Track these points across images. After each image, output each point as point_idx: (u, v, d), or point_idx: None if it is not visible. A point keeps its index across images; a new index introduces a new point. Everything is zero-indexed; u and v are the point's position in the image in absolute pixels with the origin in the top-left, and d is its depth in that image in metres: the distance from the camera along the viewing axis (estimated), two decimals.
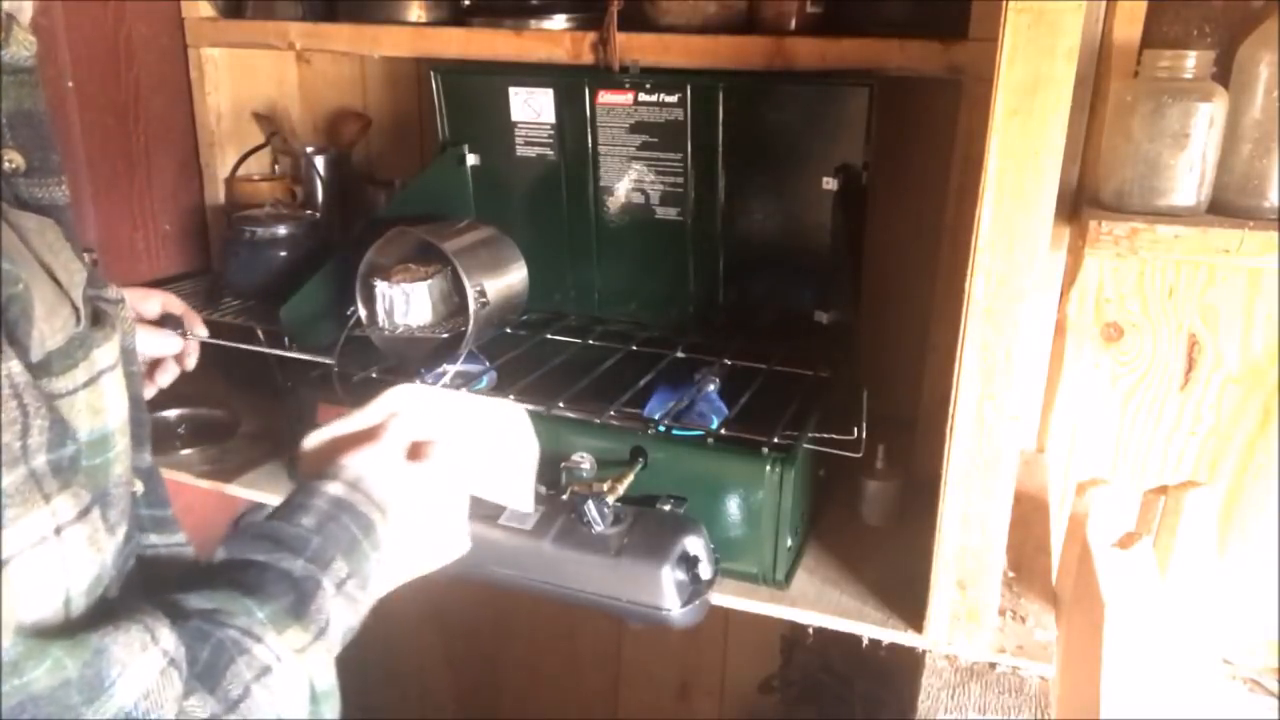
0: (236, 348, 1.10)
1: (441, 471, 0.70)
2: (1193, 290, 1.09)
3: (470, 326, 1.05)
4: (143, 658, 0.45)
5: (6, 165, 0.49)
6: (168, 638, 0.47)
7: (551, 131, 1.19)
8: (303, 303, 1.10)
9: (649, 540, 0.86)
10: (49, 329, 0.47)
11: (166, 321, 0.92)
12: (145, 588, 0.57)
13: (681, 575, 0.85)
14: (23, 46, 0.50)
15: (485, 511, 0.91)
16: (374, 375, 1.07)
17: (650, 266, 1.22)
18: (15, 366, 0.43)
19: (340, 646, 0.59)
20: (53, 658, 0.41)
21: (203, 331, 0.94)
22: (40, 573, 0.43)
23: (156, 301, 0.93)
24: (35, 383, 0.44)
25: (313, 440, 0.70)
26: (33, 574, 0.42)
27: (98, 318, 0.52)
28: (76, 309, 0.50)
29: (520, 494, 0.82)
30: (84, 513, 0.45)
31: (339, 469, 0.64)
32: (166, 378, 0.91)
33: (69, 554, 0.44)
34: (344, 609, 0.59)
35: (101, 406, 0.50)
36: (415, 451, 0.69)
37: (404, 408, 0.71)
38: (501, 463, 0.79)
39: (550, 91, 1.16)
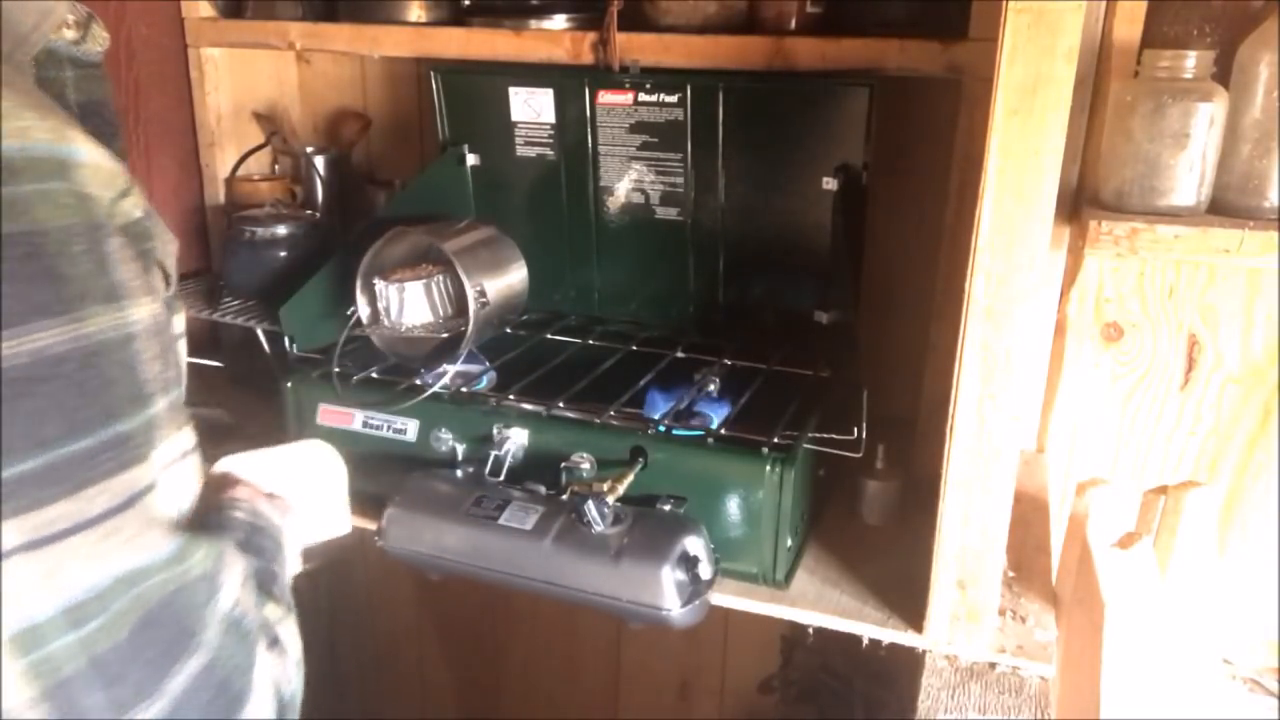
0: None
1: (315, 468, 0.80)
2: (1193, 290, 1.09)
3: (470, 326, 1.05)
4: (235, 567, 0.52)
5: None
6: (242, 557, 0.54)
7: (551, 131, 1.19)
8: (303, 303, 1.10)
9: (649, 540, 0.86)
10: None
11: None
12: None
13: (681, 575, 0.85)
14: (97, 42, 0.56)
15: (484, 512, 0.91)
16: (374, 375, 1.07)
17: (650, 266, 1.22)
18: (159, 308, 0.48)
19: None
20: (202, 549, 0.48)
21: None
22: (175, 485, 0.48)
23: None
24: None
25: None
26: (172, 485, 0.48)
27: None
28: (168, 275, 0.55)
29: (339, 519, 0.84)
30: (197, 444, 0.51)
31: (235, 502, 0.67)
32: None
33: (190, 474, 0.51)
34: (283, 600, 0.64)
35: (183, 368, 0.55)
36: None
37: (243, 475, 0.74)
38: (324, 500, 0.82)
39: (550, 91, 1.16)
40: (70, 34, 0.54)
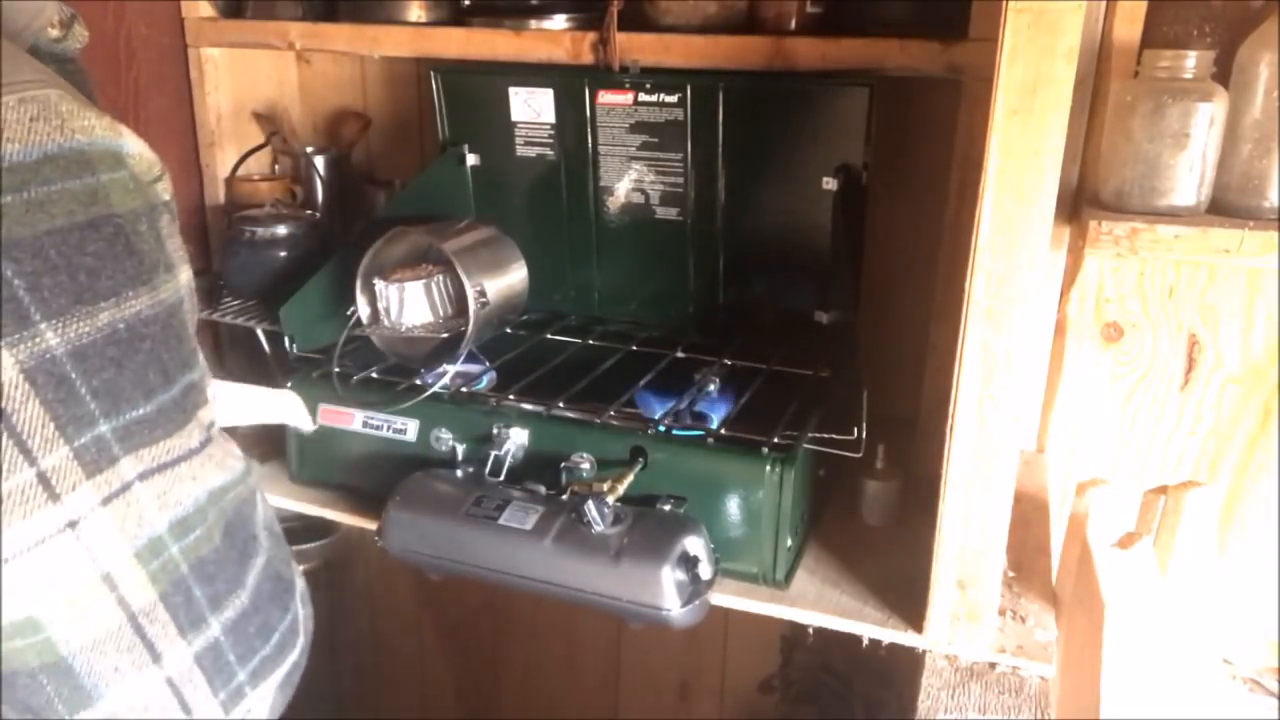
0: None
1: None
2: (1193, 290, 1.09)
3: (470, 326, 1.05)
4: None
5: None
6: None
7: (551, 131, 1.19)
8: (303, 303, 1.10)
9: (649, 540, 0.86)
10: None
11: None
12: None
13: (681, 575, 0.85)
14: (77, 40, 0.60)
15: (484, 512, 0.91)
16: (374, 375, 1.07)
17: (650, 266, 1.22)
18: (191, 273, 0.54)
19: None
20: (253, 470, 0.57)
21: None
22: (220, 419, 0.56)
23: None
24: None
25: None
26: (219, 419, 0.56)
27: None
28: None
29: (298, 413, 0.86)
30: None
31: None
32: None
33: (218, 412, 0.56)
34: None
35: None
36: None
37: None
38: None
39: (550, 91, 1.16)
40: (54, 32, 0.57)
